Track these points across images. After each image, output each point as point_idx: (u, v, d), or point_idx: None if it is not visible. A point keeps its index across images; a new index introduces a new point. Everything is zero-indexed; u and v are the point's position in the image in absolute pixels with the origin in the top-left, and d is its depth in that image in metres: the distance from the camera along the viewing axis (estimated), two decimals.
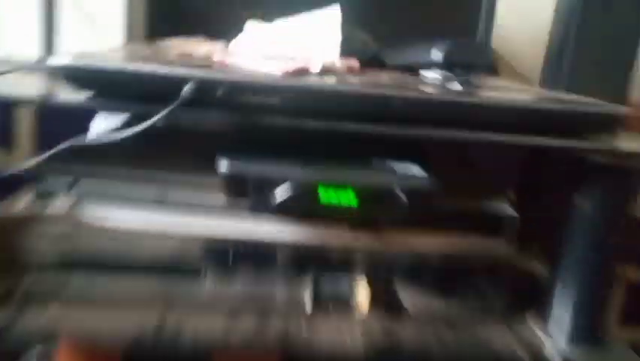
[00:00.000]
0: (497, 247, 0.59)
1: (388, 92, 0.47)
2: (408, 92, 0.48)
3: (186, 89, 0.44)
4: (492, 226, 0.58)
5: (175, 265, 0.57)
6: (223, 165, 0.49)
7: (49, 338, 0.53)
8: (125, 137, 0.44)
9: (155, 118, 0.43)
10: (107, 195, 0.56)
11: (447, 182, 0.50)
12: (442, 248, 0.59)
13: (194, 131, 0.49)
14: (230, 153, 0.51)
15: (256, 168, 0.49)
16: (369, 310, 0.59)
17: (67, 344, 0.59)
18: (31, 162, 0.48)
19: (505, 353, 0.55)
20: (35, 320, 0.52)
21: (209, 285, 0.58)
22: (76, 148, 0.46)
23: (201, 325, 0.54)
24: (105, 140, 0.46)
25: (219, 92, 0.45)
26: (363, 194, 0.50)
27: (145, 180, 0.56)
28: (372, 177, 0.50)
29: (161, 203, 0.56)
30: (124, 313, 0.55)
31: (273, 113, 0.47)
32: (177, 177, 0.56)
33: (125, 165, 0.57)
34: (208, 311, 0.56)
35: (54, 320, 0.52)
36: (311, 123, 0.48)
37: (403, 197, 0.49)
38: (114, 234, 0.56)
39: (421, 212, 0.51)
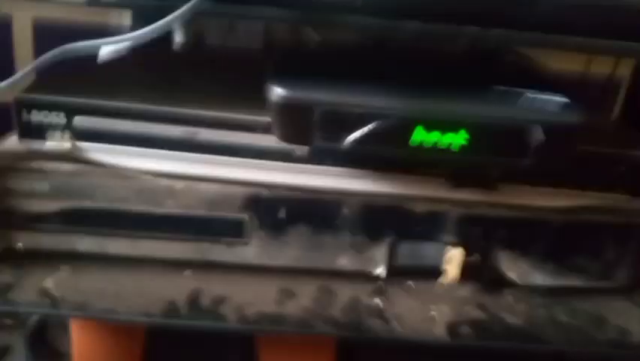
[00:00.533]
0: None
1: None
2: None
3: None
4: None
5: (212, 221, 0.43)
6: (275, 92, 0.34)
7: (56, 306, 0.42)
8: (136, 44, 0.29)
9: (172, 16, 0.28)
10: (118, 134, 0.42)
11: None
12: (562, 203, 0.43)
13: (230, 46, 0.34)
14: (286, 74, 0.35)
15: (323, 95, 0.34)
16: (461, 282, 0.45)
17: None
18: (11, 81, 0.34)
19: (631, 336, 0.42)
20: (38, 284, 0.40)
21: (255, 247, 0.44)
22: (72, 66, 0.32)
23: (245, 296, 0.41)
24: (108, 52, 0.32)
25: None
26: (480, 131, 0.34)
27: (168, 116, 0.41)
28: (496, 106, 0.34)
29: (189, 143, 0.42)
30: (148, 281, 0.42)
31: (346, 9, 0.31)
32: (210, 112, 0.41)
33: (141, 96, 0.42)
34: (254, 281, 0.44)
35: (61, 287, 0.41)
36: (407, 25, 0.32)
37: (542, 137, 0.34)
38: (130, 178, 0.42)
39: (565, 159, 0.35)
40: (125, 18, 0.81)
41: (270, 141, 0.41)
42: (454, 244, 0.45)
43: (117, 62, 0.56)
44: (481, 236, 0.44)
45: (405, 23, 0.31)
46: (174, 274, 0.44)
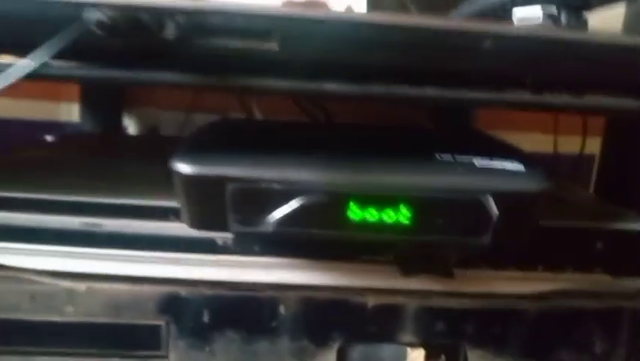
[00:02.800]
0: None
1: (474, 25, 0.26)
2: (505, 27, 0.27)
3: (91, 15, 0.23)
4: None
5: (121, 331, 0.36)
6: (181, 165, 0.29)
7: None
8: None
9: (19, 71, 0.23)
10: (5, 228, 0.35)
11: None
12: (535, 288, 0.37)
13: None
14: (194, 150, 0.30)
15: (240, 168, 0.29)
16: None
17: None
18: None
19: None
20: None
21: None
22: None
23: None
24: None
25: (168, 28, 0.24)
26: (423, 205, 0.29)
27: (64, 205, 0.35)
28: (441, 176, 0.29)
29: (91, 237, 0.35)
30: None
31: (266, 69, 0.26)
32: (115, 199, 0.35)
33: (35, 184, 0.36)
34: None
35: None
36: (330, 87, 0.27)
37: (494, 210, 0.28)
38: (21, 281, 0.35)
39: (531, 236, 0.29)
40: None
41: (184, 229, 0.34)
42: (415, 345, 0.37)
43: (42, 150, 0.51)
44: (445, 333, 0.37)
45: (325, 84, 0.27)
46: None
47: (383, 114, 0.70)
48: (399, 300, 0.36)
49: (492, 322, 0.38)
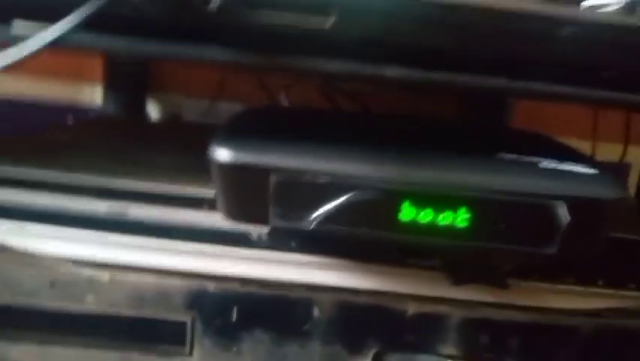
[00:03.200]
0: None
1: (554, 9, 0.23)
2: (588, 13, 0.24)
3: None
4: None
5: (144, 325, 0.34)
6: (222, 153, 0.26)
7: None
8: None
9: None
10: (28, 210, 0.33)
11: None
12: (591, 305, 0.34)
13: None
14: (236, 135, 0.28)
15: (285, 158, 0.26)
16: None
17: None
18: None
19: None
20: None
21: (199, 359, 0.34)
22: None
23: None
24: None
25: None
26: (485, 208, 0.26)
27: (91, 187, 0.33)
28: (506, 177, 0.26)
29: (117, 223, 0.33)
30: None
31: (319, 48, 0.24)
32: (145, 183, 0.33)
33: (61, 164, 0.34)
34: None
35: None
36: (391, 71, 0.24)
37: (565, 218, 0.25)
38: (41, 267, 0.33)
39: (590, 247, 0.27)
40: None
41: (218, 221, 0.32)
42: (455, 358, 0.35)
43: (66, 132, 0.50)
44: (489, 347, 0.35)
45: (385, 68, 0.24)
46: None
47: (409, 107, 0.67)
48: (441, 309, 0.34)
49: (539, 337, 0.35)
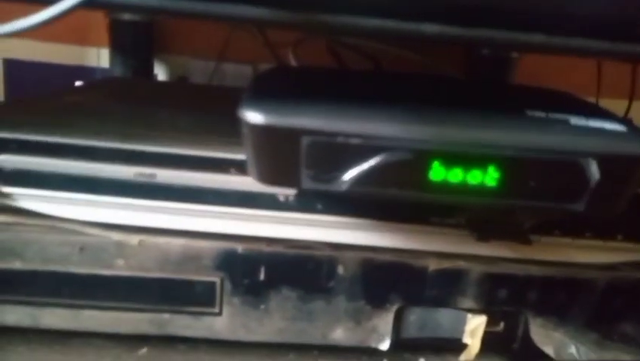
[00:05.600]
0: None
1: None
2: None
3: None
4: None
5: (174, 286, 0.35)
6: (253, 115, 0.26)
7: None
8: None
9: None
10: (54, 177, 0.33)
11: None
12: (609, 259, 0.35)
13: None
14: (265, 97, 0.28)
15: (316, 119, 0.26)
16: (484, 357, 0.36)
17: None
18: None
19: None
20: None
21: (229, 318, 0.35)
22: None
23: None
24: None
25: None
26: (515, 166, 0.26)
27: (117, 154, 0.33)
28: (536, 134, 0.27)
29: (145, 188, 0.33)
30: None
31: (353, 5, 0.24)
32: (171, 149, 0.33)
33: (85, 130, 0.34)
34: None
35: None
36: (430, 28, 0.24)
37: (595, 175, 0.26)
38: (70, 233, 0.33)
39: (618, 204, 0.27)
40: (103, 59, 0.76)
41: (245, 183, 0.32)
42: (475, 311, 0.36)
43: (78, 94, 0.49)
44: (507, 300, 0.36)
45: (424, 25, 0.24)
46: (126, 354, 0.35)
47: (417, 64, 0.66)
48: (461, 265, 0.35)
49: (556, 290, 0.36)
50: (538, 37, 0.24)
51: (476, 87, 0.35)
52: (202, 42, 0.76)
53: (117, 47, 0.72)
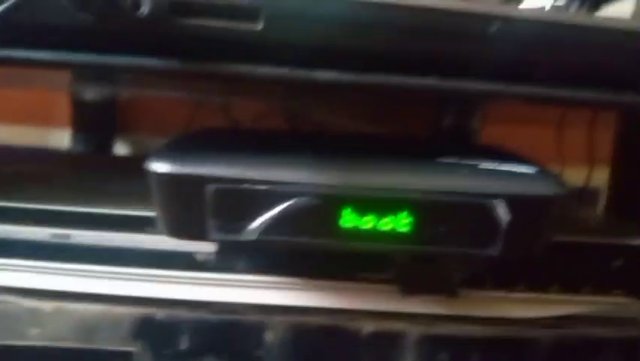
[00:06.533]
0: None
1: (481, 7, 0.24)
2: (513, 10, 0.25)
3: None
4: None
5: (91, 356, 0.32)
6: (158, 164, 0.26)
7: None
8: None
9: None
10: None
11: None
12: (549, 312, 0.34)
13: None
14: (173, 151, 0.28)
15: (221, 167, 0.26)
16: None
17: None
18: None
19: None
20: None
21: None
22: None
23: None
24: None
25: (143, 4, 0.22)
26: (425, 210, 0.26)
27: (31, 214, 0.32)
28: (444, 179, 0.26)
29: (59, 250, 0.32)
30: None
31: (250, 54, 0.24)
32: (87, 208, 0.32)
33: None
34: None
35: None
36: (323, 75, 0.25)
37: (504, 216, 0.25)
38: None
39: (533, 247, 0.26)
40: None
41: (163, 242, 0.31)
42: None
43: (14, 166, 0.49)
44: None
45: (317, 72, 0.24)
46: None
47: (378, 124, 0.67)
48: (398, 326, 0.33)
49: (501, 351, 0.34)
50: (431, 81, 0.25)
51: (396, 142, 0.35)
52: (165, 119, 0.77)
53: (79, 127, 0.73)
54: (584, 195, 0.63)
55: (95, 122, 0.74)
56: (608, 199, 0.47)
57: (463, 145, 0.35)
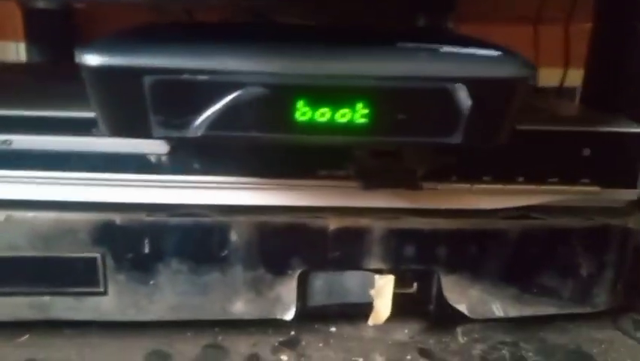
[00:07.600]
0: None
1: None
2: None
3: None
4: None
5: (51, 265, 0.32)
6: (89, 57, 0.24)
7: None
8: None
9: None
10: None
11: None
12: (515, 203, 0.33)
13: None
14: (110, 40, 0.25)
15: (160, 58, 0.24)
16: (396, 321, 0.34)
17: None
18: None
19: None
20: None
21: (114, 297, 0.32)
22: None
23: None
24: None
25: None
26: (382, 98, 0.24)
27: None
28: (403, 63, 0.24)
29: (3, 157, 0.30)
30: None
31: None
32: (29, 112, 0.30)
33: None
34: (115, 343, 0.32)
35: None
36: None
37: (466, 102, 0.24)
38: None
39: (498, 135, 0.25)
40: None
41: (113, 145, 0.30)
42: (383, 271, 0.34)
43: None
44: (416, 257, 0.34)
45: None
46: (4, 342, 0.32)
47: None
48: (362, 221, 0.33)
49: (466, 244, 0.34)
50: None
51: (354, 31, 0.33)
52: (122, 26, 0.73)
53: (33, 39, 0.68)
54: (561, 94, 0.62)
55: (49, 33, 0.69)
56: (581, 95, 0.46)
57: (427, 32, 0.32)
